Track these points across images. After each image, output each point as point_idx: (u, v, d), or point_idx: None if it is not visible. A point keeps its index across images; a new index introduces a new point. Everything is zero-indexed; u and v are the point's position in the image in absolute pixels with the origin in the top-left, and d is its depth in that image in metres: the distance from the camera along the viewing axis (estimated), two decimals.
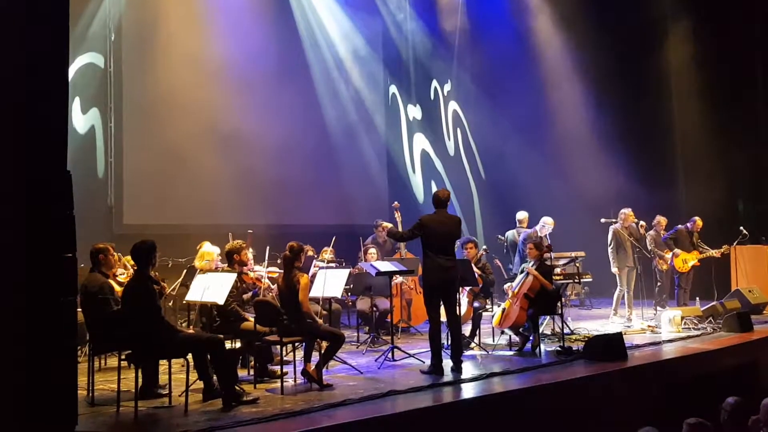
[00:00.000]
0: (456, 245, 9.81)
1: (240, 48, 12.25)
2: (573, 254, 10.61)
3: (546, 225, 10.46)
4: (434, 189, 14.91)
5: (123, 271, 7.60)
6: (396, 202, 8.90)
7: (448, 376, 6.95)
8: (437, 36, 15.47)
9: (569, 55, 14.75)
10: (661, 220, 11.90)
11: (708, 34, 14.49)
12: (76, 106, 10.97)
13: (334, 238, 9.64)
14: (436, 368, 7.05)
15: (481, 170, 15.74)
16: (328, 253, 9.78)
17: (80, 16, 10.96)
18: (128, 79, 11.52)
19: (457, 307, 7.51)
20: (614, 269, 10.64)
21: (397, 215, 8.13)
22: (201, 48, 11.96)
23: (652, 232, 11.66)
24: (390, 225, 8.00)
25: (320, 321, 7.10)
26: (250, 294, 7.45)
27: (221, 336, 6.37)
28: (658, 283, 11.86)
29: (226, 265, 7.62)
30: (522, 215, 11.15)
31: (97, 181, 11.19)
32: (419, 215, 7.72)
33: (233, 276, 6.93)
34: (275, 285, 7.29)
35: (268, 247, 8.36)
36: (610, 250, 10.67)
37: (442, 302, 7.36)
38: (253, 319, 7.01)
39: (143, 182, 11.42)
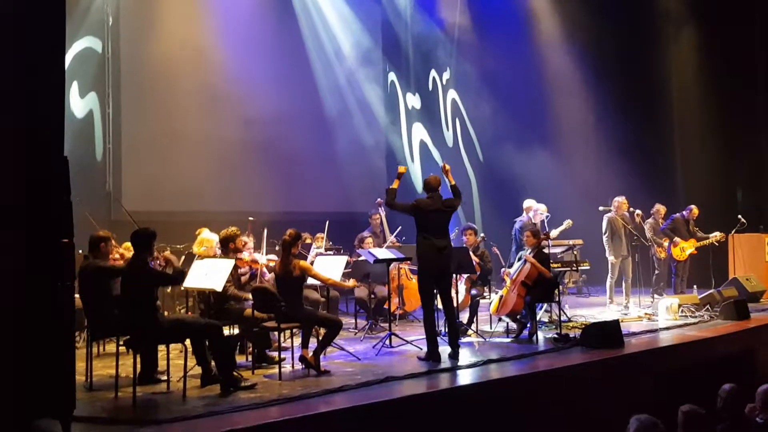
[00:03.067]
0: (455, 232, 9.89)
1: (238, 33, 12.21)
2: (571, 242, 10.61)
3: (538, 212, 10.43)
4: None
5: (119, 255, 7.61)
6: (379, 199, 8.88)
7: (445, 362, 6.97)
8: (437, 24, 15.40)
9: (569, 43, 14.70)
10: (660, 208, 11.89)
11: (707, 27, 14.47)
12: (74, 90, 10.93)
13: (327, 224, 9.65)
14: (432, 355, 7.07)
15: (481, 159, 15.71)
16: (321, 239, 9.78)
17: (77, 1, 10.91)
18: (126, 64, 11.49)
19: (453, 293, 7.51)
20: (611, 257, 10.64)
21: (382, 212, 8.12)
22: (199, 33, 11.93)
23: (650, 220, 11.66)
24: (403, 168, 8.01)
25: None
26: (248, 275, 7.47)
27: (219, 322, 6.40)
28: (656, 271, 11.87)
29: (220, 252, 7.63)
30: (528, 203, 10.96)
31: (95, 166, 11.17)
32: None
33: (231, 262, 6.93)
34: (272, 273, 7.33)
35: (265, 231, 8.37)
36: (605, 238, 10.67)
37: (436, 288, 7.38)
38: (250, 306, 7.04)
39: (141, 168, 11.40)
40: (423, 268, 7.30)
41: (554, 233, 10.47)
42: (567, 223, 10.40)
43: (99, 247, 6.59)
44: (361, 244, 9.74)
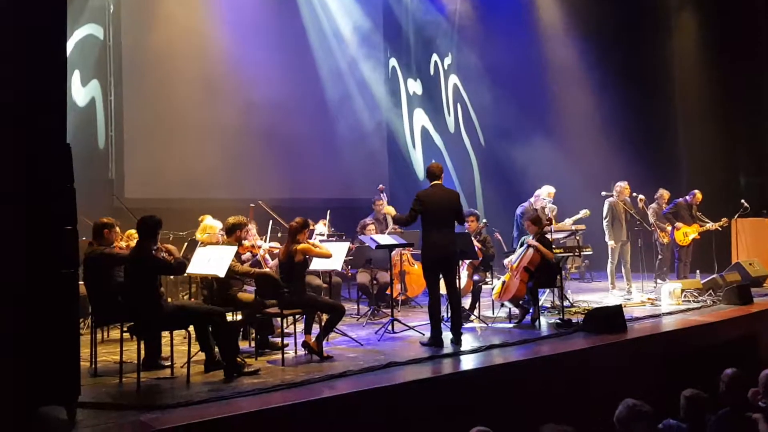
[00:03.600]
0: None
1: (240, 19, 12.17)
2: (573, 227, 10.60)
3: (539, 197, 10.41)
4: None
5: (125, 244, 7.63)
6: (381, 185, 8.89)
7: (447, 348, 6.99)
8: (438, 8, 15.33)
9: (571, 27, 14.63)
10: (664, 193, 11.88)
11: (709, 13, 14.39)
12: (75, 78, 10.92)
13: (328, 213, 9.68)
14: (435, 340, 7.09)
15: (482, 144, 15.68)
16: (324, 226, 9.79)
17: None
18: (128, 51, 11.47)
19: (457, 280, 7.52)
20: (610, 242, 10.63)
21: (384, 198, 8.15)
22: (200, 19, 11.90)
23: (654, 205, 11.64)
24: (392, 210, 7.97)
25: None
26: (250, 262, 7.49)
27: (222, 308, 6.42)
28: (659, 257, 11.87)
29: (225, 237, 7.64)
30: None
31: (97, 154, 11.18)
32: (418, 191, 7.66)
33: (234, 248, 6.95)
34: (275, 260, 7.35)
35: (271, 223, 8.39)
36: (605, 223, 10.66)
37: (442, 276, 7.38)
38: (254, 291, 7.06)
39: (144, 156, 11.41)
40: (428, 258, 7.29)
41: (568, 222, 10.43)
42: (584, 212, 10.36)
43: (103, 234, 6.63)
44: (364, 231, 9.76)
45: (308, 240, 7.14)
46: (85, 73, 11.07)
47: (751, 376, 5.62)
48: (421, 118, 15.39)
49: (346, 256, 8.78)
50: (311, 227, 9.11)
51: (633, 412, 4.41)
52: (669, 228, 11.55)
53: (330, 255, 7.27)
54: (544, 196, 10.37)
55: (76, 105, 10.83)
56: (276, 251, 7.76)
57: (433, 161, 7.97)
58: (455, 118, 15.70)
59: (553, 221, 10.09)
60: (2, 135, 4.78)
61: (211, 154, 11.72)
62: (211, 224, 8.15)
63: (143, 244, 6.10)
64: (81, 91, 11.04)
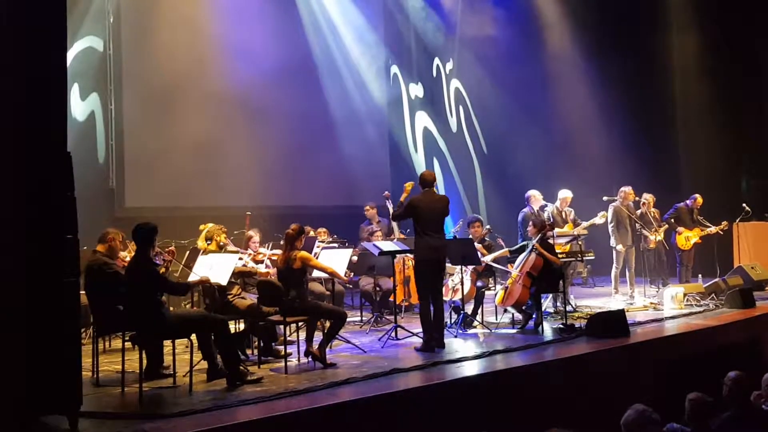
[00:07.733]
0: (459, 223, 9.89)
1: (239, 27, 12.17)
2: (575, 232, 10.59)
3: (530, 199, 10.41)
4: (437, 167, 15.00)
5: (125, 254, 7.62)
6: (387, 192, 8.92)
7: (449, 353, 6.99)
8: (439, 12, 15.33)
9: (571, 30, 14.65)
10: (650, 197, 11.75)
11: (710, 6, 14.41)
12: (74, 92, 10.86)
13: (330, 233, 9.73)
14: (436, 342, 7.15)
15: (484, 147, 15.67)
16: (324, 233, 9.80)
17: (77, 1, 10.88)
18: (128, 61, 11.46)
19: (459, 285, 7.53)
20: (618, 247, 10.60)
21: (389, 205, 8.19)
22: (200, 28, 11.91)
23: (643, 209, 11.60)
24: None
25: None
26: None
27: (224, 316, 6.42)
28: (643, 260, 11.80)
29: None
30: (564, 194, 10.65)
31: (98, 164, 11.17)
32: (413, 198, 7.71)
33: (236, 257, 6.95)
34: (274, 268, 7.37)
35: (273, 243, 8.43)
36: (611, 228, 10.62)
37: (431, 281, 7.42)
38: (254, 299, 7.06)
39: (144, 165, 11.39)
40: (421, 258, 7.37)
41: (586, 224, 10.37)
42: (602, 214, 10.32)
43: (108, 241, 6.57)
44: (370, 238, 9.76)
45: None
46: (84, 86, 11.03)
47: (754, 379, 5.61)
48: (423, 120, 15.38)
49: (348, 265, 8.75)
50: (310, 233, 9.12)
51: (641, 417, 4.40)
52: (652, 237, 11.43)
53: (332, 271, 7.30)
54: (535, 198, 10.38)
55: (75, 120, 10.79)
56: (275, 258, 7.76)
57: (426, 169, 8.03)
58: (458, 119, 15.69)
59: (572, 225, 10.10)
60: (2, 144, 4.78)
61: (211, 163, 11.73)
62: None
63: (143, 252, 6.08)
64: (80, 105, 11.00)
